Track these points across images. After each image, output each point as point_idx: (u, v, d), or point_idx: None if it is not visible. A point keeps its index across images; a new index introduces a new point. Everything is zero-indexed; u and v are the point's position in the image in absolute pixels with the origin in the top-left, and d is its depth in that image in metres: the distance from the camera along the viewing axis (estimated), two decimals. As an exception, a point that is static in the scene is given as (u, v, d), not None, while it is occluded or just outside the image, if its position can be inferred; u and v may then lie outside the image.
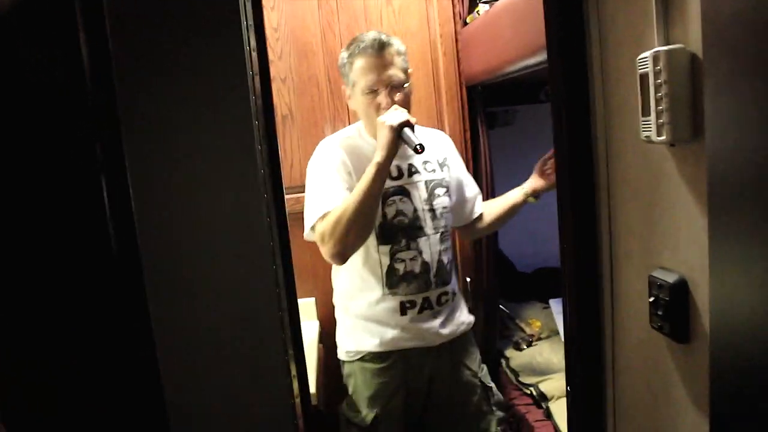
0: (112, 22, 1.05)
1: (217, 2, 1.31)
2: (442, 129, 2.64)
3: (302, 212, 2.26)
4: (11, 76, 0.90)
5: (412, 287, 1.96)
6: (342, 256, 1.86)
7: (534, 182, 2.16)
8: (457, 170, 2.18)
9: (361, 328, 2.02)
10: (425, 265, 1.97)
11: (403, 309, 1.97)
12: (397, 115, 1.79)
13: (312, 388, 1.92)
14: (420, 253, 1.96)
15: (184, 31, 1.29)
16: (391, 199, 1.95)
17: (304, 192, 2.49)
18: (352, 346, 2.04)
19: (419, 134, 1.96)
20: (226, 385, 1.40)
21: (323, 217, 1.84)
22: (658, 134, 0.93)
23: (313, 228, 1.88)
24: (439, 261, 2.00)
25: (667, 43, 0.92)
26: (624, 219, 1.14)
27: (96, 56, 0.99)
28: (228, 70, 1.37)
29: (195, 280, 1.37)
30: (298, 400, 1.51)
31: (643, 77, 0.95)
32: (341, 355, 2.09)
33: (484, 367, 2.16)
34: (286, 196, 2.25)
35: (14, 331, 0.92)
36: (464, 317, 2.12)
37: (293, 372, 1.49)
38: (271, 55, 2.50)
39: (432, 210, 1.99)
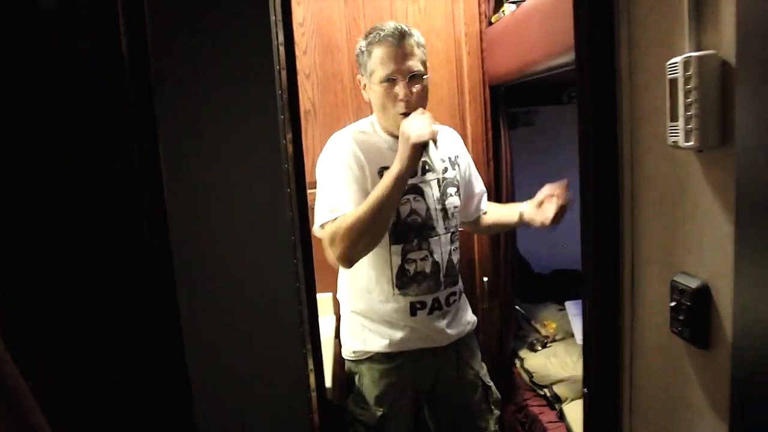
0: (150, 18, 1.07)
1: (247, -2, 1.32)
2: (464, 128, 2.65)
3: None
4: (55, 66, 0.93)
5: (422, 288, 1.95)
6: (350, 261, 1.82)
7: (528, 212, 1.98)
8: (466, 167, 2.15)
9: (369, 328, 2.00)
10: (436, 265, 1.96)
11: (413, 310, 1.96)
12: (423, 128, 1.71)
13: (328, 383, 1.92)
14: (431, 253, 1.95)
15: (216, 27, 1.31)
16: (405, 197, 1.90)
17: (325, 187, 2.50)
18: (360, 346, 2.02)
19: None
20: (246, 376, 1.42)
21: (335, 218, 1.79)
22: (686, 140, 0.93)
23: (322, 226, 1.83)
24: (449, 261, 1.99)
25: (699, 49, 0.92)
26: (647, 223, 1.15)
27: (134, 47, 1.02)
28: (256, 65, 1.39)
29: (218, 272, 1.38)
30: (314, 394, 1.52)
31: (673, 82, 0.95)
32: (346, 354, 2.07)
33: (484, 365, 2.16)
34: (308, 191, 2.26)
35: (44, 307, 0.95)
36: (468, 317, 2.11)
37: (310, 366, 1.50)
38: (296, 50, 2.49)
39: (444, 209, 1.97)
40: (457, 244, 2.03)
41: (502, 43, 2.45)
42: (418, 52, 1.86)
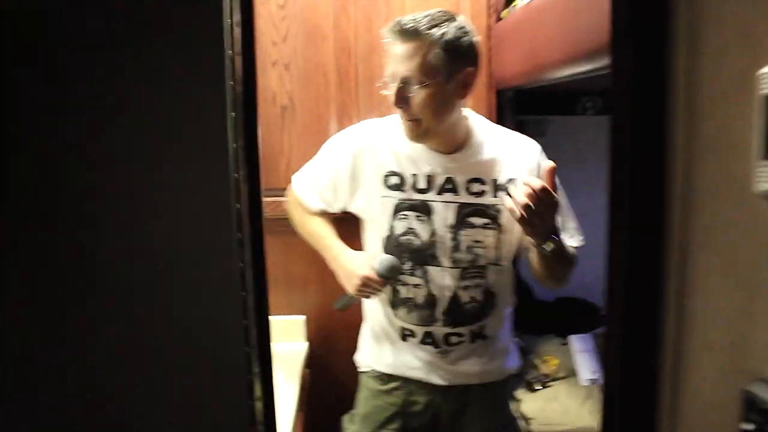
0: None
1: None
2: (465, 136, 2.35)
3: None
4: None
5: (412, 316, 1.72)
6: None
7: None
8: None
9: (369, 340, 1.88)
10: (431, 297, 1.69)
11: (403, 335, 1.76)
12: (357, 286, 1.69)
13: (290, 418, 1.81)
14: (427, 283, 1.69)
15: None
16: (404, 213, 1.67)
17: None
18: (360, 357, 1.91)
19: (499, 140, 1.75)
20: (182, 404, 1.15)
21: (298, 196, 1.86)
22: (788, 189, 0.61)
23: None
24: (454, 298, 1.69)
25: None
26: (707, 296, 0.82)
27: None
28: (198, 47, 1.10)
29: (148, 298, 1.09)
30: (261, 428, 1.26)
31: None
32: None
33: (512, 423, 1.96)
34: (276, 199, 2.01)
35: None
36: (494, 365, 1.80)
37: (257, 393, 1.23)
38: (275, 36, 2.22)
39: (455, 240, 1.67)
40: (475, 281, 1.70)
41: (512, 42, 2.14)
42: (429, 54, 1.55)
